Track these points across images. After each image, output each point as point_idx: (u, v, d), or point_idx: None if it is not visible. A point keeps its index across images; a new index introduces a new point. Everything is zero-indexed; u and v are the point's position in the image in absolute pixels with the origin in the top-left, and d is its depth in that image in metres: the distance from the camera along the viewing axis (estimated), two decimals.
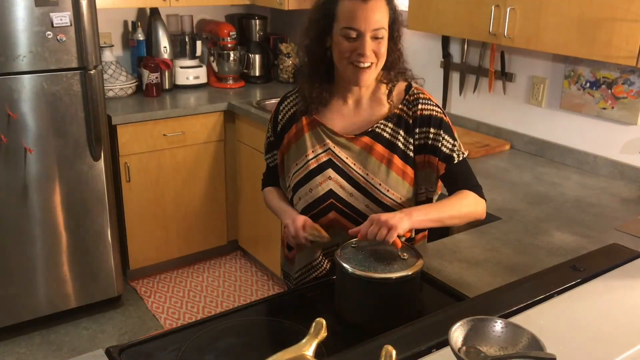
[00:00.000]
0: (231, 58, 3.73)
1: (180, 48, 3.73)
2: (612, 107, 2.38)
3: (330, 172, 1.60)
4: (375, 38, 1.49)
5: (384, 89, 1.62)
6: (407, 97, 1.60)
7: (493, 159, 2.61)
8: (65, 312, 3.08)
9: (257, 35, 3.92)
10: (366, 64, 1.50)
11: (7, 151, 2.71)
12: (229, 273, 3.66)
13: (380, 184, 1.58)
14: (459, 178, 1.60)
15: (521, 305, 1.17)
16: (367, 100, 1.62)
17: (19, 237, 2.84)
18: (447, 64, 3.01)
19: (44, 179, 2.83)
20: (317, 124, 1.62)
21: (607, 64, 2.34)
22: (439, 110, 1.61)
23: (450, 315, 1.11)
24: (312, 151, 1.62)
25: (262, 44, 3.94)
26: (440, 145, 1.58)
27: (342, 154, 1.60)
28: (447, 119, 1.61)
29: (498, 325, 1.00)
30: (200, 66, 3.75)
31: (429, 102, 1.60)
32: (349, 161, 1.59)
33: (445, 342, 0.97)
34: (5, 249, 2.83)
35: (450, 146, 1.59)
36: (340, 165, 1.60)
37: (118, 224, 3.23)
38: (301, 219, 1.57)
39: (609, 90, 2.38)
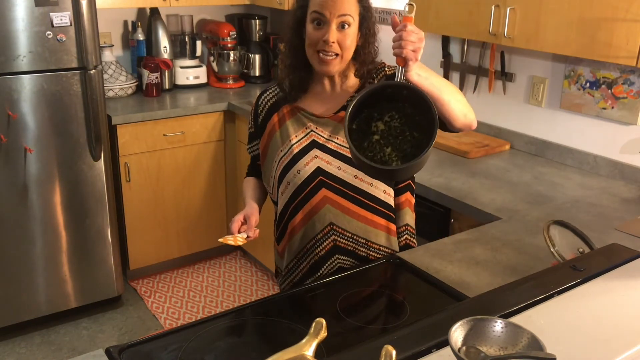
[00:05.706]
0: (231, 58, 3.74)
1: (180, 48, 3.73)
2: (612, 107, 2.38)
3: (316, 151, 1.64)
4: (341, 28, 1.54)
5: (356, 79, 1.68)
6: (374, 71, 1.66)
7: (493, 159, 2.61)
8: (65, 312, 3.08)
9: (257, 35, 3.92)
10: (330, 54, 1.56)
11: (7, 151, 2.71)
12: (229, 273, 3.66)
13: None
14: None
15: (521, 305, 1.17)
16: (342, 83, 1.68)
17: (19, 237, 2.84)
18: (447, 64, 3.01)
19: (44, 179, 2.83)
20: (298, 109, 1.69)
21: (607, 64, 2.34)
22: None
23: (450, 315, 1.11)
24: (295, 136, 1.67)
25: (262, 44, 3.94)
26: None
27: (324, 132, 1.65)
28: None
29: (498, 325, 1.00)
30: (200, 66, 3.76)
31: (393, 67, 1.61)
32: (332, 137, 1.65)
33: (445, 342, 0.97)
34: (5, 249, 2.83)
35: None
36: (323, 143, 1.64)
37: (118, 224, 3.23)
38: (240, 219, 1.69)
39: (609, 90, 2.38)
